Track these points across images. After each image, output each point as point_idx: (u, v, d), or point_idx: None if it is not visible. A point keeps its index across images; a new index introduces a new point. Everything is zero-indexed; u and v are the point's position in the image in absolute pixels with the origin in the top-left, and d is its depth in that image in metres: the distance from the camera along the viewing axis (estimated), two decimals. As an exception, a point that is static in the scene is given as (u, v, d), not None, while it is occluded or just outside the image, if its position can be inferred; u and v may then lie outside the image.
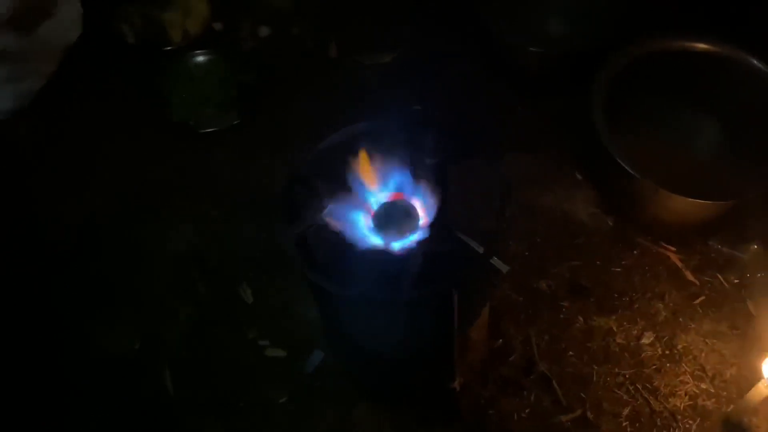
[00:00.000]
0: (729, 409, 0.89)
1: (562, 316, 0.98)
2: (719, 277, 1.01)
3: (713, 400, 0.90)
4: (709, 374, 0.92)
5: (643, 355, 0.94)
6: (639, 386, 0.92)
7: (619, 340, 0.96)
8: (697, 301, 0.99)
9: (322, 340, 0.96)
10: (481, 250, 0.66)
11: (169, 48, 1.32)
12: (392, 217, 0.69)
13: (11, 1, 1.09)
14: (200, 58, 1.31)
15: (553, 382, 0.92)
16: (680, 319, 0.97)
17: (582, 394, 0.92)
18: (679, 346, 0.95)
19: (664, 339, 0.95)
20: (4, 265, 1.07)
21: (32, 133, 1.21)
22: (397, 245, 0.68)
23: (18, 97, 1.17)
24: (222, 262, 1.07)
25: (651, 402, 0.91)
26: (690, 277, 1.01)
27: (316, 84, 1.28)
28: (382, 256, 0.67)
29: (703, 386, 0.91)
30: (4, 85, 1.14)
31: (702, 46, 1.07)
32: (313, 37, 1.35)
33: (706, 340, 0.95)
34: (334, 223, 0.68)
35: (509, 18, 1.22)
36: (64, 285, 1.06)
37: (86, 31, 1.30)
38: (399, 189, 0.71)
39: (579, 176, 1.11)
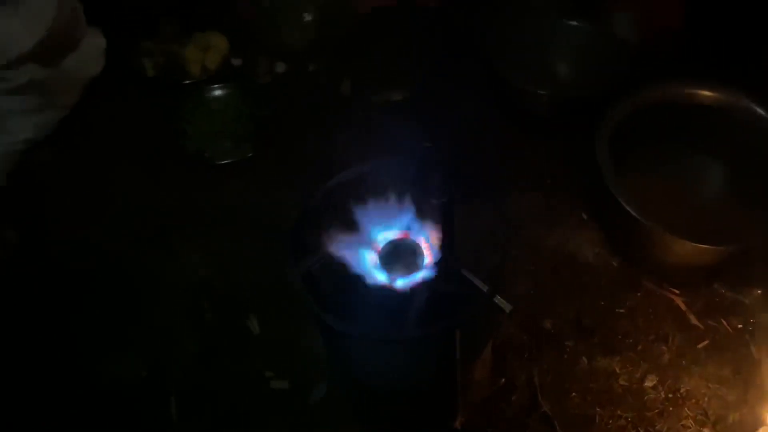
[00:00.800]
0: (732, 456, 0.89)
1: (565, 356, 0.98)
2: (723, 321, 1.01)
3: (716, 445, 0.90)
4: (712, 419, 0.92)
5: (646, 397, 0.94)
6: (641, 429, 0.91)
7: (622, 382, 0.96)
8: (701, 345, 0.99)
9: (327, 373, 0.97)
10: (485, 289, 0.67)
11: (188, 82, 1.37)
12: (398, 255, 0.71)
13: (39, 35, 1.15)
14: (218, 92, 1.35)
15: (556, 422, 0.92)
16: (684, 363, 0.97)
17: (584, 436, 0.92)
18: (682, 390, 0.95)
19: (668, 382, 0.95)
20: (16, 289, 1.10)
21: (52, 161, 1.24)
22: (402, 283, 0.69)
23: (41, 126, 1.21)
24: (231, 293, 1.08)
25: (653, 446, 0.90)
26: (694, 320, 1.01)
27: (329, 120, 1.31)
28: (387, 293, 0.68)
29: (706, 431, 0.91)
30: (29, 115, 1.18)
31: (706, 93, 1.10)
32: (327, 75, 1.39)
33: (710, 385, 0.95)
34: (342, 260, 0.70)
35: (518, 62, 1.25)
36: (75, 310, 1.08)
37: (108, 64, 1.36)
38: (405, 228, 0.73)
39: (585, 216, 1.13)
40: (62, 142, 1.26)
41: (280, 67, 1.42)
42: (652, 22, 1.33)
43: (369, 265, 0.71)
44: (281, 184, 1.20)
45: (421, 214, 0.73)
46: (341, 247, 0.71)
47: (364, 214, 0.72)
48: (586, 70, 1.28)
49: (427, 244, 0.72)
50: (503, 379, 0.96)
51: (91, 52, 1.29)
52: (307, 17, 1.46)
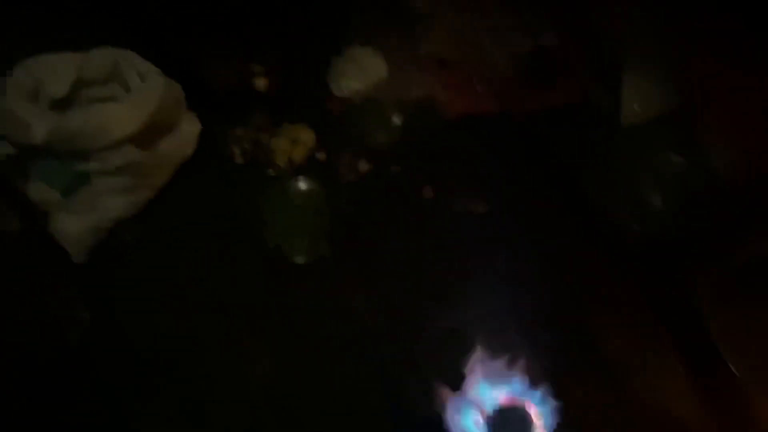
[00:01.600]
0: None
1: None
2: None
3: None
4: None
5: None
6: None
7: None
8: None
9: None
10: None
11: (272, 172, 1.38)
12: (509, 424, 0.65)
13: (142, 120, 1.17)
14: (300, 185, 1.35)
15: None
16: None
17: None
18: None
19: None
20: (81, 371, 1.07)
21: (133, 241, 1.24)
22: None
23: (130, 206, 1.22)
24: (295, 403, 1.04)
25: None
26: (802, 507, 0.91)
27: (408, 224, 1.29)
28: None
29: None
30: (120, 194, 1.19)
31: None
32: (409, 177, 1.38)
33: None
34: (446, 420, 0.66)
35: (610, 190, 1.22)
36: (137, 399, 1.05)
37: (199, 147, 1.38)
38: (514, 392, 0.68)
39: (681, 369, 1.05)
40: (145, 222, 1.27)
41: (363, 166, 1.41)
42: (753, 164, 1.29)
43: (475, 428, 0.66)
44: (357, 289, 1.18)
45: (531, 378, 0.68)
46: (445, 405, 0.66)
47: (471, 371, 0.68)
48: (681, 205, 1.24)
49: (537, 412, 0.67)
50: None
51: (186, 136, 1.31)
52: (396, 120, 1.47)
